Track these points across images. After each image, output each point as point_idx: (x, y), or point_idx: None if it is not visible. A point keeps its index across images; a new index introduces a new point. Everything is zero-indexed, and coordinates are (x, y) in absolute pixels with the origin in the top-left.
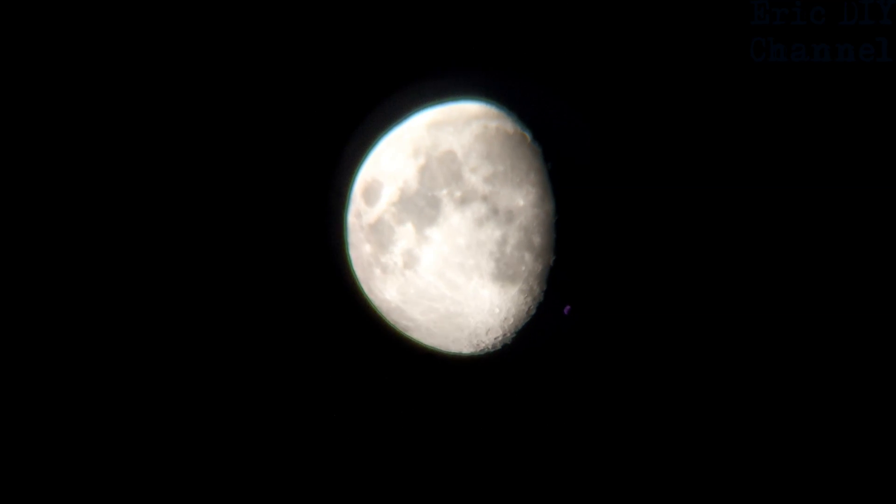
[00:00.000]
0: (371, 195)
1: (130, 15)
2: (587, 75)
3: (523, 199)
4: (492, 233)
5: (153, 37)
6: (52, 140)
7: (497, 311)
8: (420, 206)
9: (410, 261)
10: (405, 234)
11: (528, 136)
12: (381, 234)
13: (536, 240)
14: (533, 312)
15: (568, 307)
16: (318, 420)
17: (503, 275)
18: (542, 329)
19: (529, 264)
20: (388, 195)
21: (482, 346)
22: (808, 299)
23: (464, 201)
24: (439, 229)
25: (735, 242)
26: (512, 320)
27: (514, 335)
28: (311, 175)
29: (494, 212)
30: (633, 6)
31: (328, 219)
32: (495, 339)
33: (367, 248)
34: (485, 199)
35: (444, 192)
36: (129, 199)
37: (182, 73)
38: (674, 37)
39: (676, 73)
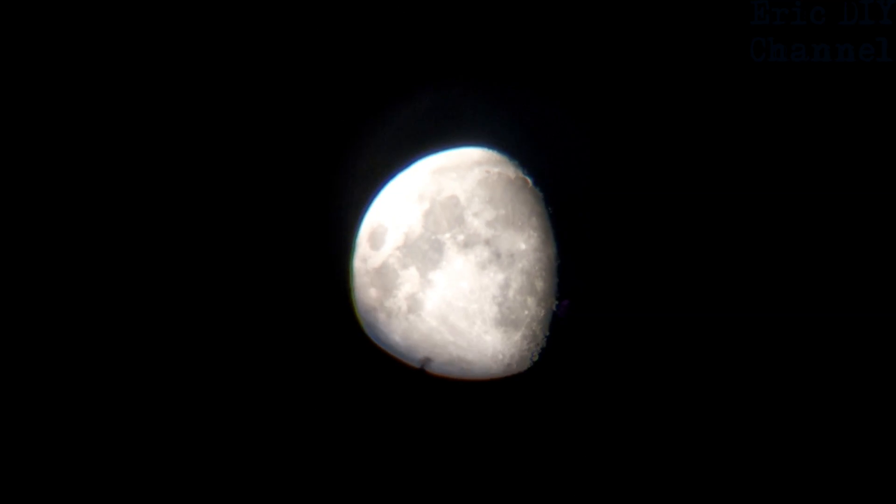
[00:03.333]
0: (376, 239)
1: (129, 18)
2: (587, 75)
3: (525, 242)
4: (494, 276)
5: (149, 48)
6: (48, 140)
7: (500, 357)
8: (424, 249)
9: (414, 305)
10: (409, 278)
11: (530, 181)
12: (385, 278)
13: (539, 284)
14: (536, 359)
15: (566, 302)
16: (322, 457)
17: (506, 320)
18: (545, 373)
19: (532, 309)
20: (393, 240)
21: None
22: (808, 300)
23: (467, 245)
24: (443, 273)
25: (736, 243)
26: (515, 367)
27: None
28: (317, 218)
29: (497, 255)
30: (633, 6)
31: (335, 263)
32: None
33: (372, 293)
34: (487, 242)
35: (448, 236)
36: (128, 224)
37: (183, 98)
38: (674, 37)
39: (676, 74)
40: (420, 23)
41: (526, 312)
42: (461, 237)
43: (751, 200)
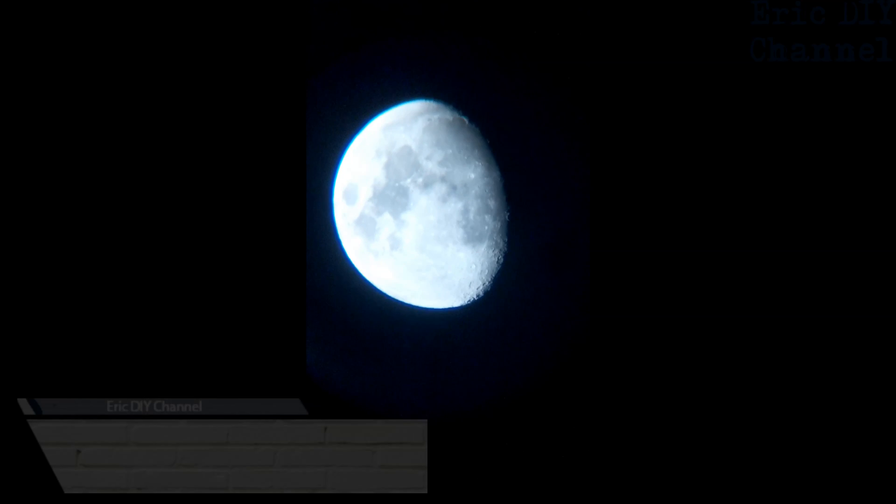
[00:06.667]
0: (350, 196)
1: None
2: (585, 75)
3: (473, 172)
4: (455, 205)
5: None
6: (43, 140)
7: (473, 266)
8: (392, 196)
9: (395, 243)
10: (385, 223)
11: (465, 119)
12: (365, 226)
13: (491, 203)
14: (501, 261)
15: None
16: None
17: (472, 237)
18: (511, 274)
19: (490, 224)
20: (364, 193)
21: (468, 297)
22: (807, 300)
23: (426, 185)
24: (412, 212)
25: (735, 242)
26: (487, 271)
27: (491, 282)
28: (294, 186)
29: (453, 188)
30: (632, 6)
31: (318, 221)
32: (477, 289)
33: (357, 241)
34: (443, 179)
35: (409, 180)
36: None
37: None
38: (673, 37)
39: (676, 74)
40: None
41: (486, 227)
42: (420, 179)
43: (749, 200)
